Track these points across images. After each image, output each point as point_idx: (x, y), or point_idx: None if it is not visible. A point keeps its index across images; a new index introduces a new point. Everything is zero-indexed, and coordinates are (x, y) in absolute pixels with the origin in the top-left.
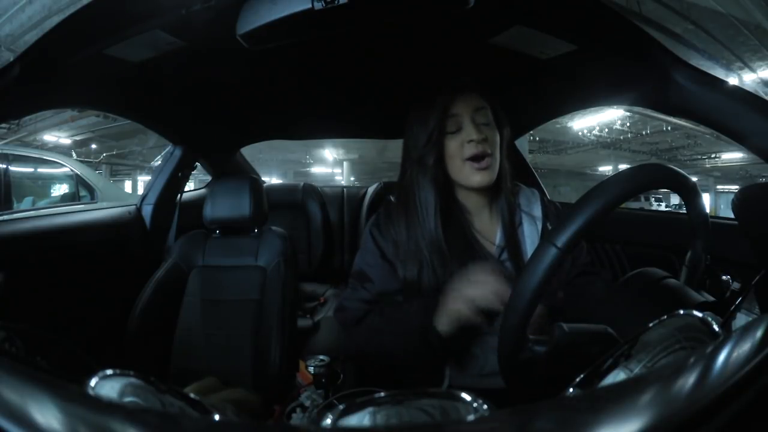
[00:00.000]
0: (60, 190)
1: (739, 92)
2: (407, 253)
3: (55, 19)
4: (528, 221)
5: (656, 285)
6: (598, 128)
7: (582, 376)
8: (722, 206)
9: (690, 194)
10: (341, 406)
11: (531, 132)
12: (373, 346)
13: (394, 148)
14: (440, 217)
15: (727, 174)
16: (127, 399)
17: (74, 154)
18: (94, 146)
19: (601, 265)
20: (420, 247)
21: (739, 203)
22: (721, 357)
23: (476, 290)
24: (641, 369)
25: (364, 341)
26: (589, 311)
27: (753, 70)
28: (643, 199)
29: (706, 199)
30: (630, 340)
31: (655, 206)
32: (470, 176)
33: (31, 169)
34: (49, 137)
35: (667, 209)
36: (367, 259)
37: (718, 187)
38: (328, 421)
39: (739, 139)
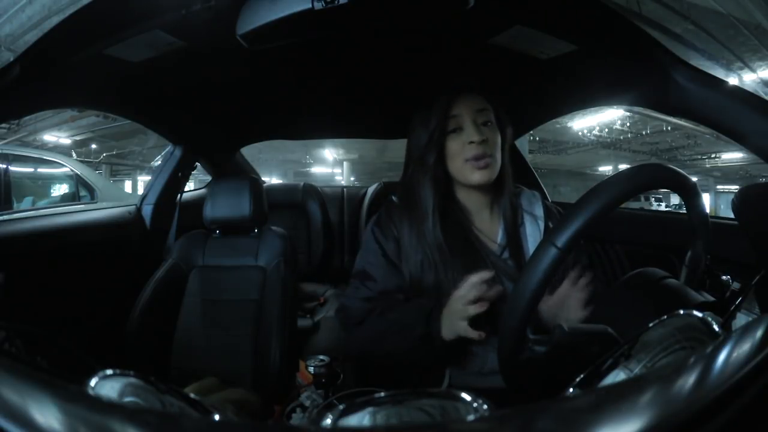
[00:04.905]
0: (60, 190)
1: (739, 92)
2: (409, 250)
3: (55, 19)
4: (530, 221)
5: (656, 285)
6: (598, 128)
7: (582, 376)
8: (722, 206)
9: (690, 194)
10: (341, 406)
11: (531, 132)
12: (374, 346)
13: (394, 148)
14: (439, 216)
15: (727, 174)
16: (127, 399)
17: (74, 154)
18: (94, 146)
19: (601, 265)
20: (422, 244)
21: (739, 203)
22: (721, 357)
23: (477, 309)
24: (641, 369)
25: (365, 341)
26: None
27: (753, 70)
28: (643, 199)
29: (706, 199)
30: (630, 340)
31: (655, 206)
32: (470, 175)
33: (31, 169)
34: (49, 137)
35: (667, 209)
36: (369, 258)
37: (718, 187)
38: (328, 421)
39: (739, 139)
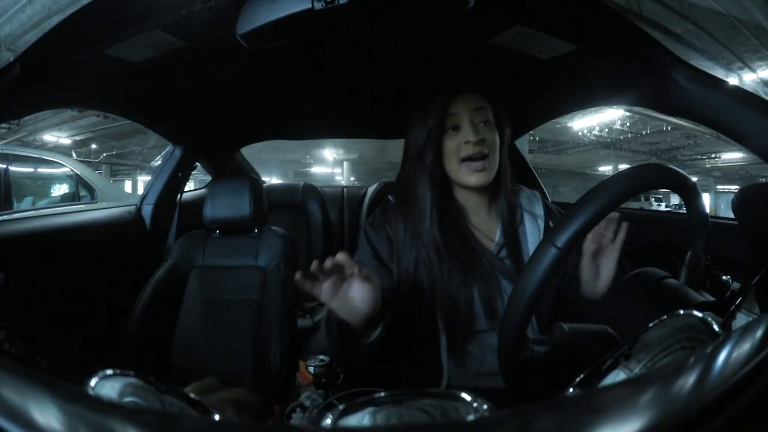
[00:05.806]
0: (60, 190)
1: (739, 92)
2: (404, 248)
3: (55, 20)
4: (529, 220)
5: (656, 285)
6: (598, 128)
7: (582, 376)
8: (722, 206)
9: (690, 194)
10: (341, 406)
11: (531, 132)
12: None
13: (394, 148)
14: (437, 215)
15: (727, 174)
16: (127, 399)
17: (74, 154)
18: (94, 146)
19: None
20: (417, 243)
21: (739, 203)
22: (721, 357)
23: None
24: (641, 369)
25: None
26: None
27: (753, 70)
28: (643, 199)
29: (706, 199)
30: (630, 340)
31: (655, 206)
32: (466, 177)
33: (31, 169)
34: (49, 137)
35: (667, 209)
36: (361, 257)
37: (718, 187)
38: (328, 421)
39: (739, 139)
